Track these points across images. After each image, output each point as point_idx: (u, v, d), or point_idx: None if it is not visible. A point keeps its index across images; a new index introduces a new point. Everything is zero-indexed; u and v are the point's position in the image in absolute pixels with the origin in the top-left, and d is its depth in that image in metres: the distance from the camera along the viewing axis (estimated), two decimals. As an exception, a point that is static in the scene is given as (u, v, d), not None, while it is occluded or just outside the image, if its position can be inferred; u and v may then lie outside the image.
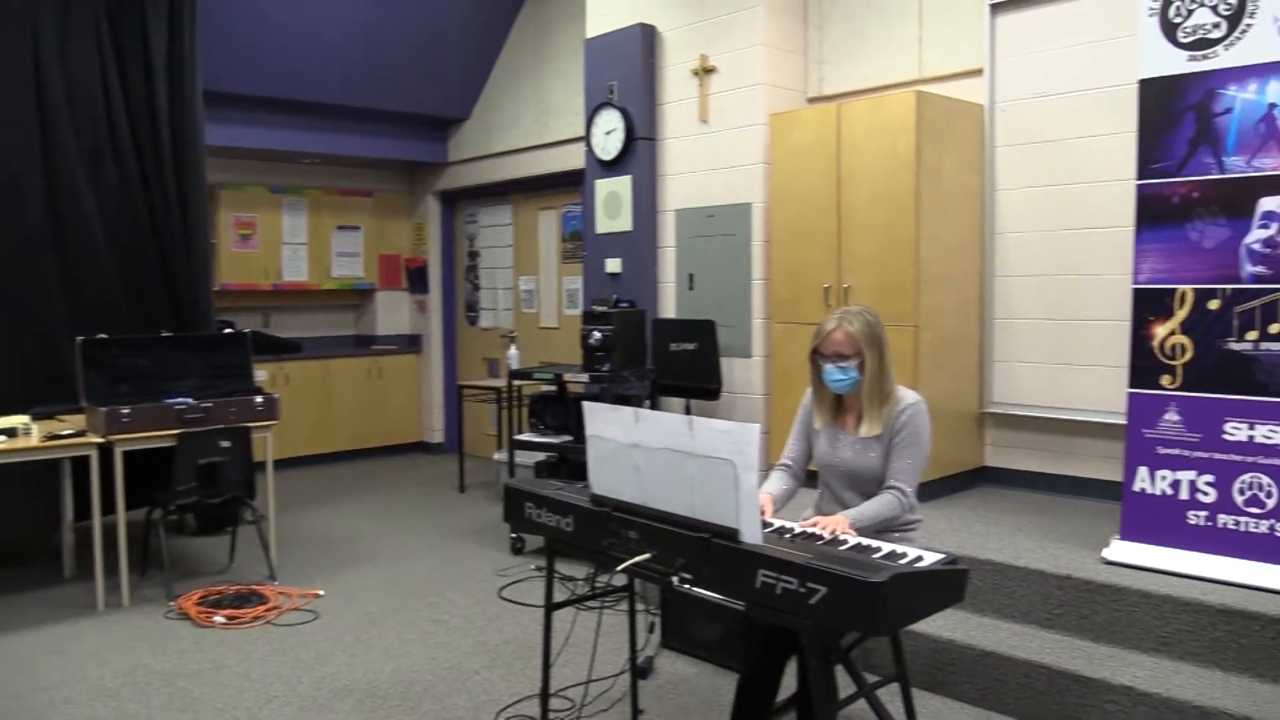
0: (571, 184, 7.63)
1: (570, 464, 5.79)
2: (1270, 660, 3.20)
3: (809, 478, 3.22)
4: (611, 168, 6.23)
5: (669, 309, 6.12)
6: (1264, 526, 3.53)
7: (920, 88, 4.94)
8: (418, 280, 9.44)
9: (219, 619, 4.59)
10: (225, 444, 5.09)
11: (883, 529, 2.89)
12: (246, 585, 5.05)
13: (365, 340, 9.50)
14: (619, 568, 2.51)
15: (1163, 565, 3.63)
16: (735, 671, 3.00)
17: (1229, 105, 3.62)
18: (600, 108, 6.24)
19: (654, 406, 5.67)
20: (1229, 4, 3.63)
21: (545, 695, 3.16)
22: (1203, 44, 3.69)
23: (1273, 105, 3.53)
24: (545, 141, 7.84)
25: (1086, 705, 3.29)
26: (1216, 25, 3.66)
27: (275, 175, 8.73)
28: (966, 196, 5.05)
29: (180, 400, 5.12)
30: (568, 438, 5.64)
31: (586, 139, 6.38)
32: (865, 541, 2.61)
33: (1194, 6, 3.70)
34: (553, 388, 5.95)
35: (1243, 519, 3.58)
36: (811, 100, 5.84)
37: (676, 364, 5.70)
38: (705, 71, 5.83)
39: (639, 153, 6.10)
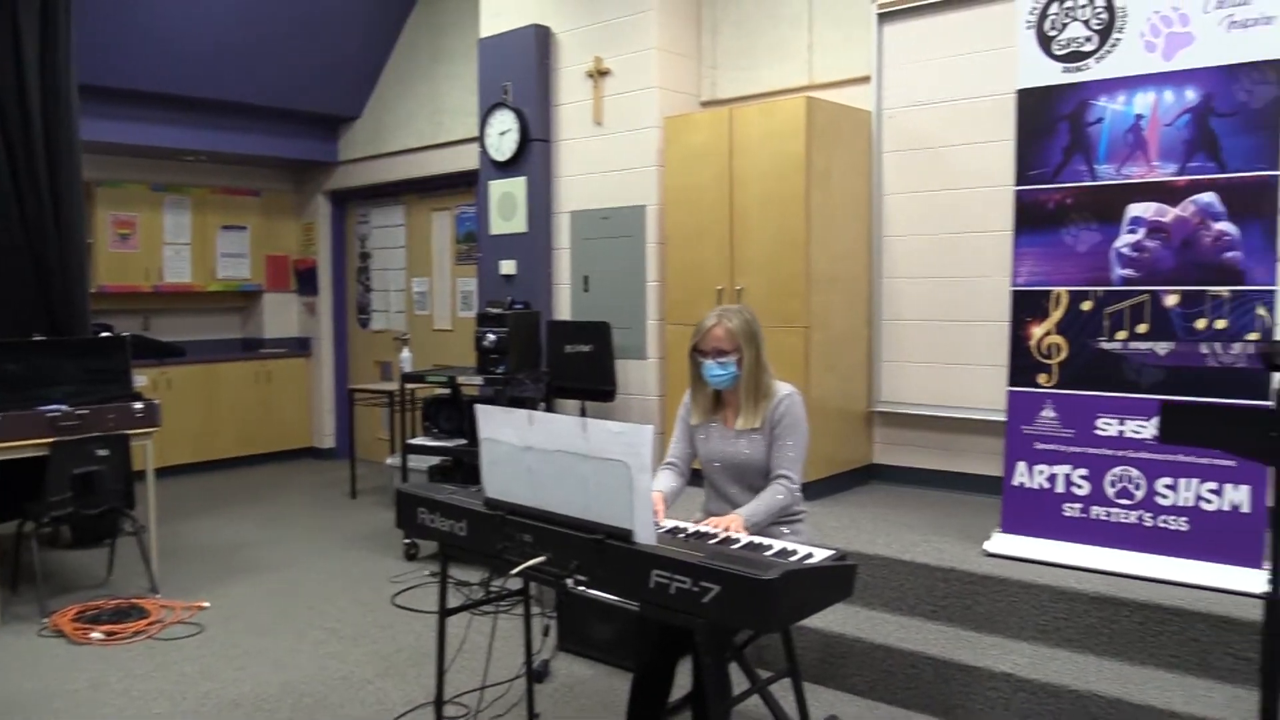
0: (465, 185, 7.55)
1: (465, 468, 5.73)
2: (1139, 644, 3.36)
3: (695, 475, 3.26)
4: (506, 169, 6.19)
5: (564, 311, 6.12)
6: (1133, 517, 3.71)
7: (810, 94, 5.04)
8: (307, 282, 9.23)
9: (96, 635, 4.41)
10: (102, 452, 4.89)
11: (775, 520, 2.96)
12: (126, 599, 4.86)
13: (252, 343, 9.23)
14: (513, 571, 2.50)
15: (1040, 556, 3.78)
16: (631, 671, 3.01)
17: (1100, 115, 3.79)
18: (494, 108, 6.20)
19: (549, 409, 5.66)
20: (1100, 19, 3.80)
21: (440, 702, 3.12)
22: (1076, 56, 3.85)
23: (1139, 116, 3.71)
24: (439, 141, 7.74)
25: (971, 693, 3.40)
26: (1088, 39, 3.82)
27: (157, 173, 8.42)
28: (855, 201, 5.17)
29: (54, 407, 4.90)
30: (462, 441, 5.58)
31: (481, 139, 6.33)
32: (757, 540, 2.65)
33: (1068, 21, 3.87)
34: (446, 391, 5.87)
35: (1114, 510, 3.75)
36: (705, 104, 5.90)
37: (571, 366, 5.69)
38: (600, 74, 5.84)
39: (534, 154, 6.07)
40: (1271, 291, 3.47)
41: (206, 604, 4.87)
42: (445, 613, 3.08)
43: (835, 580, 2.40)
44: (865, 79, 5.26)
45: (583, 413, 5.71)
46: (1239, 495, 3.52)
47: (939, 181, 5.04)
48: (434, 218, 8.25)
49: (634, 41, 5.69)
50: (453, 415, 5.73)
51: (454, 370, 6.08)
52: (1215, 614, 3.23)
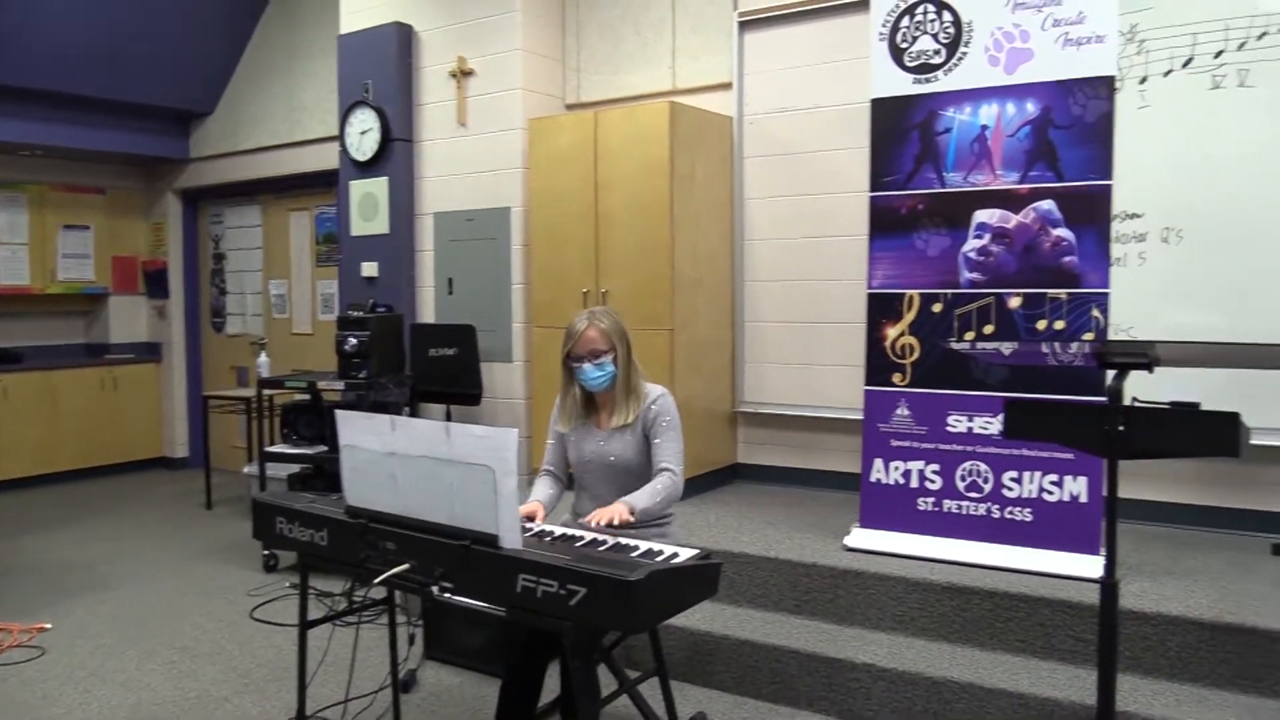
0: (325, 184, 7.36)
1: (326, 475, 5.58)
2: (989, 631, 3.52)
3: (571, 481, 3.27)
4: (367, 168, 6.06)
5: (428, 314, 6.03)
6: (982, 509, 3.88)
7: (674, 99, 5.10)
8: (157, 284, 8.82)
9: (-77, 661, 4.13)
10: (-71, 466, 4.58)
11: (656, 516, 2.98)
12: (-43, 622, 4.56)
13: (97, 349, 8.78)
14: (377, 580, 2.45)
15: (897, 549, 3.92)
16: (499, 677, 2.99)
17: (948, 125, 3.95)
18: (354, 106, 6.06)
19: (413, 414, 5.57)
20: (948, 33, 3.96)
21: (302, 718, 3.03)
22: (926, 68, 4.01)
23: (984, 127, 3.88)
24: (297, 140, 7.52)
25: (833, 684, 3.50)
26: (937, 52, 3.98)
27: (-13, 168, 7.94)
28: (718, 204, 5.26)
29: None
30: (323, 448, 5.44)
31: (340, 138, 6.18)
32: (624, 541, 2.66)
33: (918, 34, 4.02)
34: (306, 396, 5.71)
35: (964, 503, 3.92)
36: (570, 107, 5.91)
37: (436, 370, 5.62)
38: (463, 74, 5.77)
39: (396, 154, 5.96)
40: (1105, 294, 3.68)
41: (48, 625, 4.60)
42: (306, 625, 3.00)
43: (700, 579, 2.44)
44: (727, 85, 5.36)
45: (448, 417, 5.63)
46: (1078, 486, 3.72)
47: (798, 186, 5.17)
48: (292, 218, 8.01)
49: (498, 42, 5.65)
50: (313, 421, 5.57)
51: (314, 375, 5.91)
52: (1058, 599, 3.41)
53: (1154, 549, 3.96)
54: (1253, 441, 2.41)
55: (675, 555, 2.50)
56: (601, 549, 2.59)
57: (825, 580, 3.85)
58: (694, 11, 5.46)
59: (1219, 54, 4.15)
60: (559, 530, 2.80)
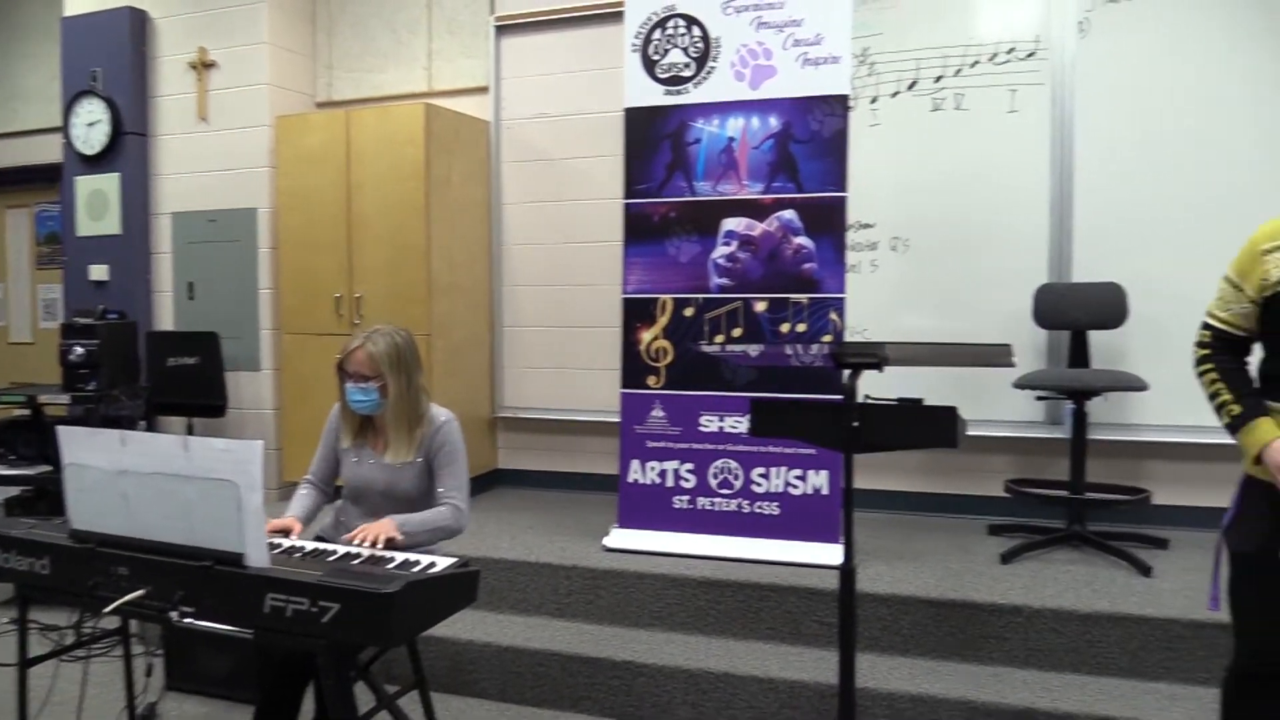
0: (47, 180, 6.74)
1: (49, 498, 5.11)
2: (741, 621, 3.66)
3: (337, 493, 3.12)
4: (96, 163, 5.60)
5: (166, 320, 5.65)
6: (733, 505, 4.05)
7: (430, 101, 5.02)
8: None
9: None
10: None
11: (424, 546, 2.85)
12: None
13: None
14: (107, 609, 2.26)
15: (654, 547, 4.02)
16: (251, 704, 2.84)
17: (698, 136, 4.10)
18: (80, 96, 5.59)
19: (150, 427, 5.20)
20: (697, 48, 4.10)
21: (20, 763, 2.77)
22: (676, 80, 4.14)
23: (731, 139, 4.05)
24: (14, 130, 6.86)
25: (594, 684, 3.54)
26: (687, 65, 4.12)
27: None
28: (475, 208, 5.22)
29: None
30: (45, 468, 4.98)
31: (65, 130, 5.68)
32: (378, 553, 2.59)
33: (669, 47, 4.14)
34: (26, 412, 5.21)
35: (717, 500, 4.07)
36: (321, 105, 5.70)
37: (176, 380, 5.27)
38: (204, 66, 5.46)
39: (128, 148, 5.55)
40: (841, 299, 3.93)
41: None
42: (26, 663, 2.73)
43: (459, 588, 2.41)
44: (484, 89, 5.33)
45: (190, 430, 5.30)
46: (820, 480, 3.95)
47: (556, 192, 5.22)
48: (8, 216, 7.30)
49: (242, 34, 5.38)
50: (33, 439, 5.09)
51: (35, 388, 5.40)
52: (804, 587, 3.59)
53: (888, 535, 4.26)
54: (969, 433, 2.63)
55: (433, 565, 2.46)
56: (356, 562, 2.51)
57: (585, 582, 3.89)
58: (450, 13, 5.40)
59: (939, 79, 4.53)
60: (311, 545, 2.69)
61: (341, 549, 2.63)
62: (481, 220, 5.29)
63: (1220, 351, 2.33)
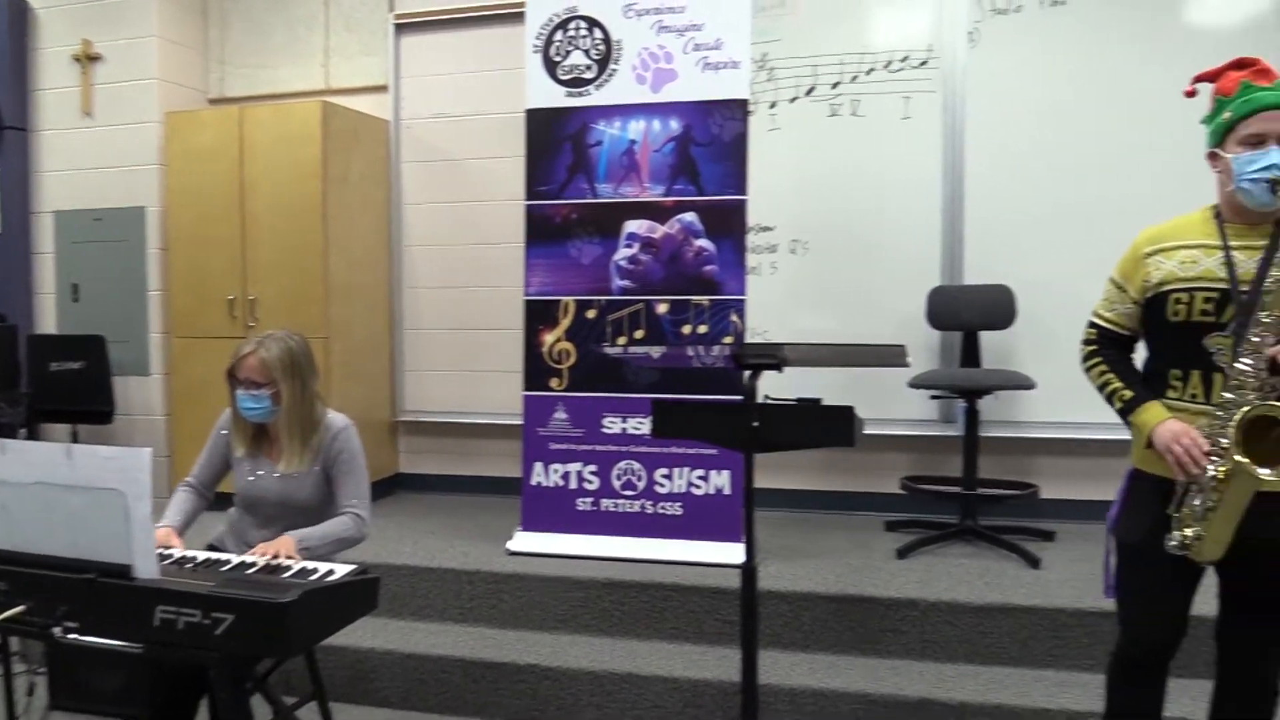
0: (-87, 176, 6.42)
1: (-80, 509, 4.86)
2: (645, 621, 3.68)
3: (220, 499, 3.03)
4: (-32, 160, 5.36)
5: (48, 324, 5.42)
6: (637, 506, 4.06)
7: (327, 99, 4.93)
8: None
9: None
10: None
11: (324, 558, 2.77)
12: None
13: None
14: (-16, 625, 2.16)
15: (558, 550, 4.00)
16: (141, 720, 2.74)
17: (600, 138, 4.10)
18: (-50, 89, 5.34)
19: (32, 435, 4.99)
20: (599, 50, 4.11)
21: (-113, 791, 2.62)
22: (578, 82, 4.13)
23: (633, 141, 4.07)
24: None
25: (498, 689, 3.51)
26: (589, 67, 4.12)
27: None
28: (374, 209, 5.14)
29: None
30: (-84, 478, 4.73)
31: (-67, 124, 5.42)
32: (275, 562, 2.53)
33: (570, 49, 4.14)
34: (-108, 419, 4.95)
35: (620, 501, 4.08)
36: (213, 101, 5.54)
37: (59, 386, 5.05)
38: (89, 59, 5.25)
39: (7, 144, 5.31)
40: (742, 300, 3.97)
41: None
42: (-107, 684, 2.60)
43: (358, 595, 2.36)
44: (383, 88, 5.26)
45: (74, 438, 5.09)
46: (722, 480, 3.99)
47: (457, 193, 5.17)
48: None
49: (130, 26, 5.19)
50: (-99, 449, 4.83)
51: (-98, 395, 5.14)
52: (707, 586, 3.62)
53: (788, 533, 4.33)
54: (866, 432, 2.68)
55: (331, 573, 2.41)
56: (250, 572, 2.45)
57: (489, 586, 3.86)
58: (347, 10, 5.31)
59: (836, 85, 4.62)
60: (203, 555, 2.61)
61: (235, 558, 2.56)
62: (381, 220, 5.20)
63: (1107, 347, 2.43)
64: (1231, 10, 4.28)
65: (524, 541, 4.09)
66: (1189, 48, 4.25)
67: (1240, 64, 2.25)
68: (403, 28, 5.21)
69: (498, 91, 5.02)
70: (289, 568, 2.47)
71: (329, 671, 3.42)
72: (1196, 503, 2.18)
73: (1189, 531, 2.19)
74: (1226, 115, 2.22)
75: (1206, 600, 2.39)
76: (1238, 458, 2.07)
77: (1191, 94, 2.37)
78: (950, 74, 4.52)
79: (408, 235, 5.28)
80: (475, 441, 5.23)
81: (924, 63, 4.54)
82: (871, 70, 4.59)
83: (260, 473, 2.89)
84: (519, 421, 4.25)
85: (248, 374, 2.77)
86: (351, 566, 2.45)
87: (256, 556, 2.60)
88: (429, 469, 5.36)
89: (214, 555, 2.60)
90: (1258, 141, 2.16)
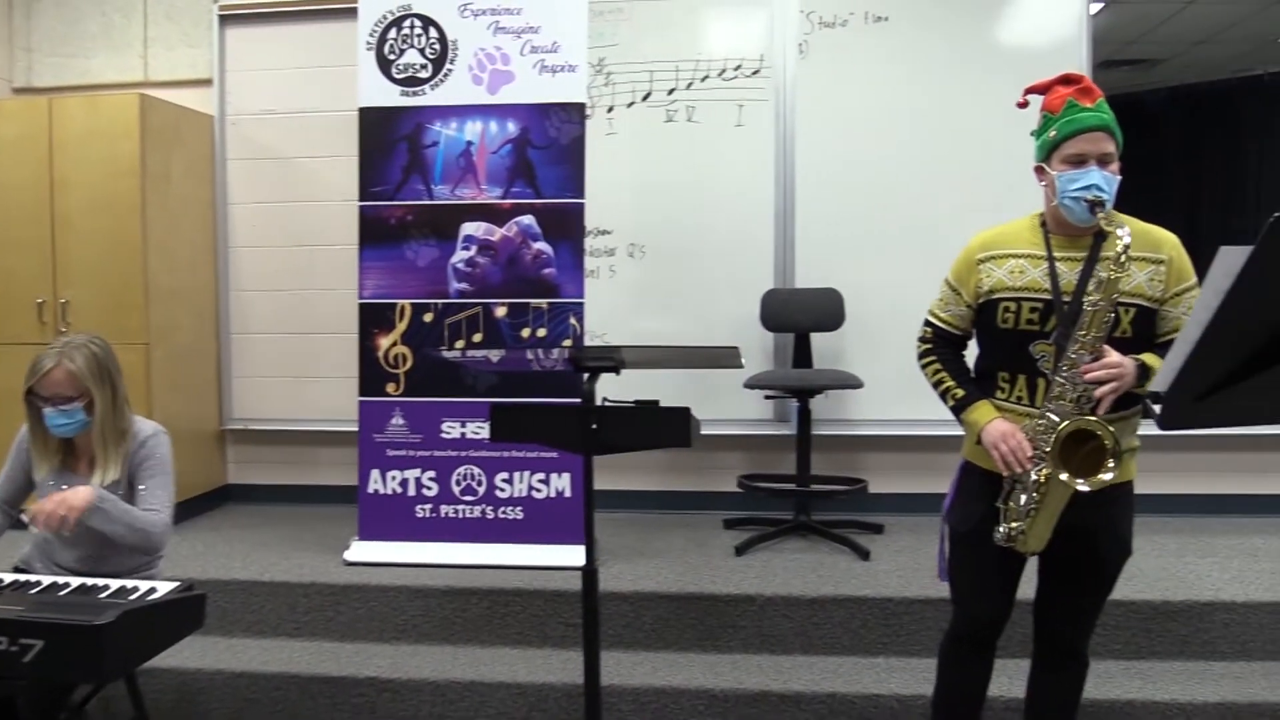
0: None
1: None
2: (488, 628, 3.65)
3: (18, 521, 2.82)
4: None
5: None
6: (477, 511, 4.03)
7: (146, 91, 4.68)
8: None
9: None
10: None
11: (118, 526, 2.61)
12: None
13: None
14: None
15: (397, 558, 3.93)
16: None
17: (436, 139, 4.05)
18: None
19: None
20: (434, 49, 4.05)
21: None
22: (413, 81, 4.07)
23: (469, 143, 4.03)
24: None
25: (337, 704, 3.42)
26: (424, 66, 4.06)
27: None
28: (198, 208, 4.92)
29: None
30: None
31: None
32: (90, 582, 2.39)
33: (405, 47, 4.07)
34: None
35: (460, 506, 4.04)
36: (18, 91, 5.19)
37: None
38: None
39: None
40: (581, 303, 3.99)
41: None
42: None
43: (182, 613, 2.27)
44: (207, 82, 5.04)
45: None
46: (562, 482, 4.00)
47: (288, 193, 5.00)
48: None
49: (-85, 10, 4.81)
50: None
51: None
52: (549, 590, 3.62)
53: (629, 534, 4.37)
54: (703, 432, 2.73)
55: (152, 591, 2.30)
56: (63, 593, 2.31)
57: (325, 598, 3.75)
58: (168, -1, 5.06)
59: (672, 91, 4.70)
60: (9, 577, 2.45)
61: (46, 579, 2.41)
62: (205, 221, 4.98)
63: (941, 346, 2.55)
64: (1041, 32, 4.58)
65: (361, 551, 4.00)
66: (1002, 65, 4.52)
67: (1067, 80, 2.37)
68: (228, 19, 5.00)
69: (330, 89, 4.88)
70: (106, 587, 2.34)
71: (153, 696, 3.26)
72: (1021, 500, 2.32)
73: (1014, 525, 2.34)
74: (1052, 133, 2.34)
75: (1025, 582, 2.55)
76: (1060, 476, 2.22)
77: (1024, 105, 2.50)
78: (781, 84, 4.66)
79: (235, 236, 5.07)
80: (309, 449, 5.07)
81: (756, 72, 4.66)
82: (706, 77, 4.69)
83: (65, 488, 2.71)
84: (355, 428, 4.15)
85: (55, 389, 2.59)
86: (175, 584, 2.35)
87: (50, 503, 2.43)
88: (260, 479, 5.16)
89: (21, 577, 2.44)
90: (1079, 161, 2.28)
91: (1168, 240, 2.36)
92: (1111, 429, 2.21)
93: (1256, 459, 4.67)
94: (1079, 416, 2.23)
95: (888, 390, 4.41)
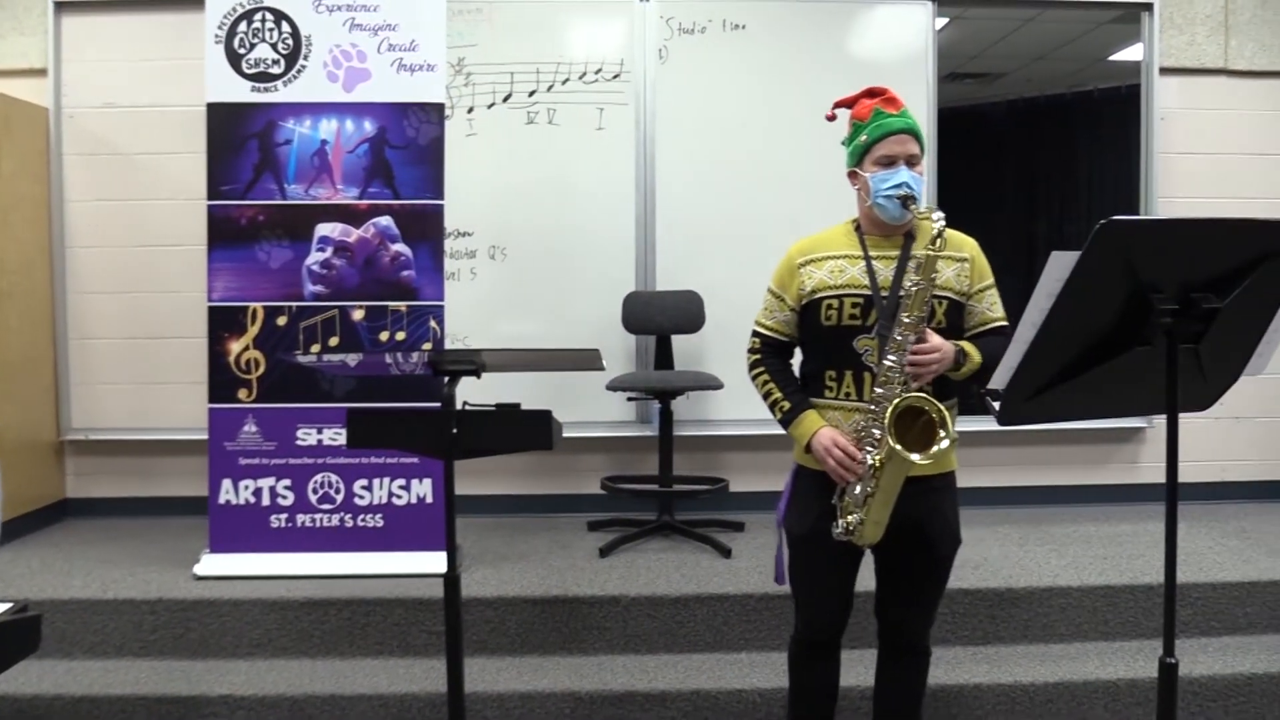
0: None
1: None
2: (348, 639, 3.56)
3: None
4: None
5: None
6: (336, 520, 3.94)
7: (-30, 81, 4.41)
8: None
9: None
10: None
11: None
12: None
13: None
14: None
15: (251, 571, 3.80)
16: None
17: (289, 137, 3.94)
18: None
19: None
20: (286, 44, 3.94)
21: None
22: (265, 77, 3.95)
23: (324, 141, 3.94)
24: None
25: (187, 724, 3.29)
26: (276, 62, 3.94)
27: None
28: (31, 206, 4.64)
29: None
30: None
31: None
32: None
33: (256, 41, 3.94)
34: None
35: (318, 515, 3.94)
36: None
37: None
38: None
39: None
40: (441, 306, 3.95)
41: None
42: None
43: (14, 637, 2.13)
44: (42, 72, 4.76)
45: None
46: (424, 488, 3.95)
47: (131, 191, 4.78)
48: None
49: None
50: None
51: None
52: (411, 598, 3.57)
53: (492, 538, 4.34)
54: (565, 435, 2.74)
55: (-20, 613, 2.16)
56: (-124, 619, 2.14)
57: (174, 615, 3.60)
58: (-4, -18, 4.77)
59: (532, 93, 4.69)
60: None
61: None
62: (39, 219, 4.71)
63: (769, 355, 2.64)
64: (891, 45, 4.78)
65: (213, 564, 3.85)
66: (854, 76, 4.62)
67: (871, 93, 2.54)
68: (64, 6, 4.74)
69: (176, 83, 4.68)
70: (-75, 612, 2.19)
71: (-19, 725, 3.07)
72: (857, 490, 2.40)
73: (851, 518, 2.42)
74: (863, 139, 2.49)
75: (865, 579, 2.64)
76: (892, 444, 2.30)
77: (831, 118, 2.66)
78: (642, 88, 4.70)
79: (73, 236, 4.81)
80: (157, 460, 4.85)
81: (617, 75, 4.70)
82: (567, 80, 4.69)
83: None
84: (205, 436, 4.00)
85: None
86: (7, 605, 2.21)
87: None
88: (103, 492, 4.91)
89: None
90: (889, 162, 2.43)
91: (969, 242, 2.56)
92: (938, 403, 2.32)
93: (1088, 451, 4.97)
94: (908, 394, 2.33)
95: (746, 390, 4.44)
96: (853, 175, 2.54)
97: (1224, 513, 4.78)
